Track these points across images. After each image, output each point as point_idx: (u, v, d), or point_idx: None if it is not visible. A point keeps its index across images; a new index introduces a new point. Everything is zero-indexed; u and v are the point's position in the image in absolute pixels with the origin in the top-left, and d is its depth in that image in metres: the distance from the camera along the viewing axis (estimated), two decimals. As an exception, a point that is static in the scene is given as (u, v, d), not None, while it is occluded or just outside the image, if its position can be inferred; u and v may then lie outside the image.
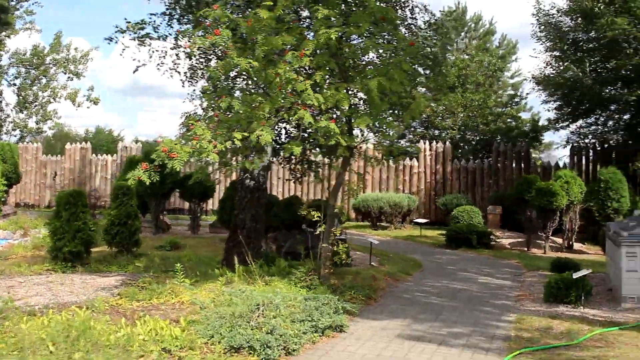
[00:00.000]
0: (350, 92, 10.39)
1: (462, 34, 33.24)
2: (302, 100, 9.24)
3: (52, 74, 40.11)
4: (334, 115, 10.33)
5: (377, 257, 16.61)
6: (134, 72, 26.39)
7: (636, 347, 7.97)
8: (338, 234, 10.69)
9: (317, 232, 10.82)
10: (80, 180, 31.05)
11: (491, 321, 9.46)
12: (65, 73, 39.82)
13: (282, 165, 15.79)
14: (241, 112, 9.50)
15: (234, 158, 11.70)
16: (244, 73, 10.29)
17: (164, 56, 14.44)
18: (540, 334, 8.63)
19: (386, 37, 10.60)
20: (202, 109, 11.81)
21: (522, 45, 61.22)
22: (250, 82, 11.06)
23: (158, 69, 14.67)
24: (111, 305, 9.18)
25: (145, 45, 14.06)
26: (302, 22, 12.08)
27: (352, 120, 10.19)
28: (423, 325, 9.00)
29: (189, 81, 14.90)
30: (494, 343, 8.11)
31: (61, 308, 8.63)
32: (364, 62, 10.99)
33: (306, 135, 13.09)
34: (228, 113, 9.91)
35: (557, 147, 25.88)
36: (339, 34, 9.67)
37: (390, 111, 11.18)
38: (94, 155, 31.80)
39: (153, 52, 14.26)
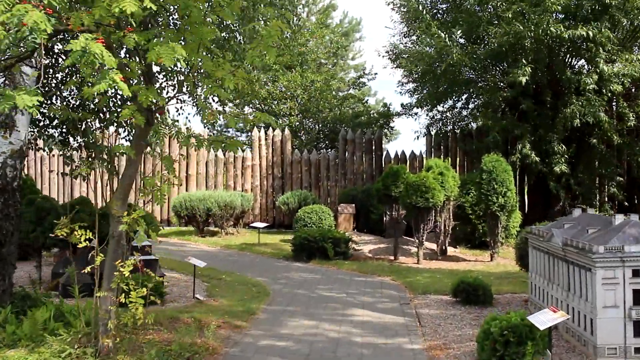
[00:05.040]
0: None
1: (300, 7, 29.12)
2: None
3: None
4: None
5: (205, 281, 11.77)
6: None
7: None
8: (130, 266, 5.65)
9: (95, 264, 5.78)
10: None
11: None
12: None
13: (60, 151, 10.17)
14: None
15: None
16: None
17: None
18: None
19: None
20: None
21: (366, 24, 58.25)
22: None
23: None
24: None
25: None
26: None
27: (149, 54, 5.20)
28: None
29: None
30: None
31: None
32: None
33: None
34: None
35: (417, 136, 22.21)
36: None
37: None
38: None
39: None
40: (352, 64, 32.36)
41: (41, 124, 9.18)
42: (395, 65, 21.17)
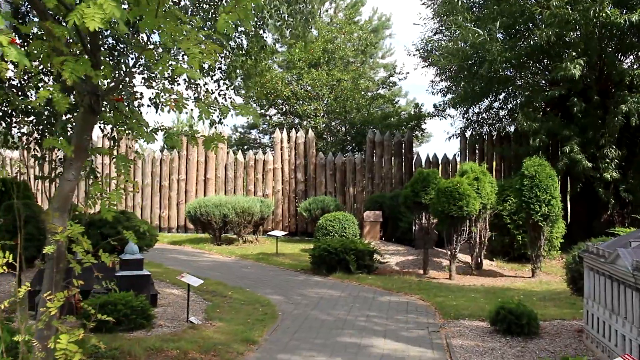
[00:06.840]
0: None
1: (327, 3, 27.76)
2: None
3: None
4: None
5: (207, 299, 10.44)
6: None
7: None
8: (61, 300, 4.27)
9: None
10: None
11: None
12: None
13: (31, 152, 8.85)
14: None
15: None
16: None
17: None
18: None
19: None
20: None
21: (396, 21, 56.34)
22: None
23: None
24: None
25: None
26: None
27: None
28: None
29: None
30: None
31: None
32: None
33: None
34: None
35: (449, 137, 20.66)
36: None
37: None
38: None
39: None
40: (381, 63, 30.88)
41: (14, 119, 7.97)
42: (426, 64, 19.69)
